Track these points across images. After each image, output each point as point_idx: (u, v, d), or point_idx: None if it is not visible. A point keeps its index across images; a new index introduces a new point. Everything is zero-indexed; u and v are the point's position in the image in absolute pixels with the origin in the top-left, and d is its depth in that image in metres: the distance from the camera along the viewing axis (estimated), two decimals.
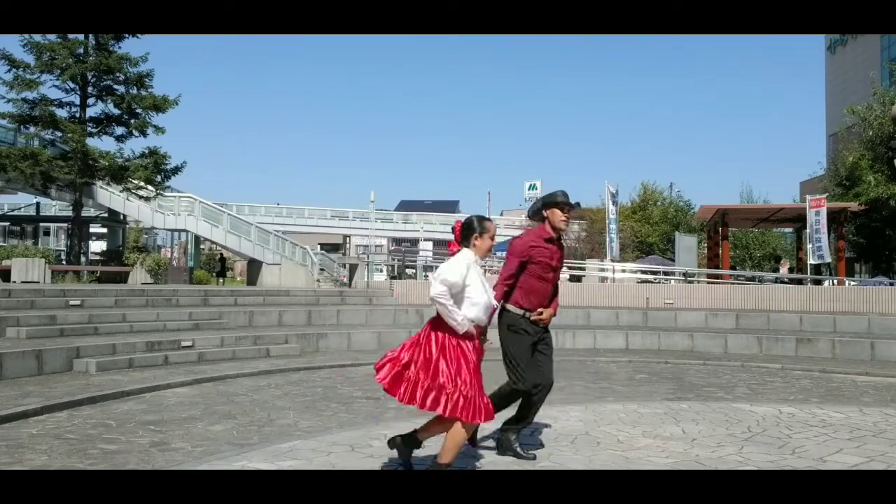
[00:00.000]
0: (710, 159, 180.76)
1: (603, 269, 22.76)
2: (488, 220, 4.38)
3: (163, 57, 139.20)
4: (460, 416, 4.05)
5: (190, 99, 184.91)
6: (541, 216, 5.05)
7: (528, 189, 56.23)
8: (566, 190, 5.07)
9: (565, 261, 14.23)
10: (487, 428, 6.09)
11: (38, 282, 18.48)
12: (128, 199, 28.02)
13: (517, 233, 47.61)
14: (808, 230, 20.74)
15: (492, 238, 4.31)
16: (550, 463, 4.90)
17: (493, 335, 4.57)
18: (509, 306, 4.90)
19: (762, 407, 7.33)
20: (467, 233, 4.31)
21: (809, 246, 20.57)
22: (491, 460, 4.94)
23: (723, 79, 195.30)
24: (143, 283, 20.93)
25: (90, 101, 23.74)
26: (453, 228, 4.41)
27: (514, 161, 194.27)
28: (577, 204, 5.08)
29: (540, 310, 4.91)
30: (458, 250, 4.31)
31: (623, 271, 23.34)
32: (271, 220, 50.28)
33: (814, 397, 8.83)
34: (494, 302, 4.37)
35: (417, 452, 4.62)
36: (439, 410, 4.06)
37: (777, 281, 22.98)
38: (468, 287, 4.15)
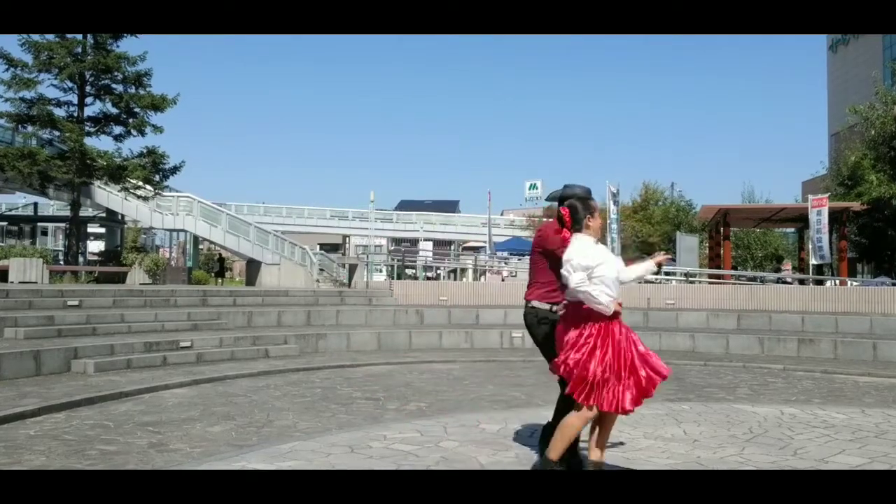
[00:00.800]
0: (711, 159, 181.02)
1: None
2: (592, 199, 4.39)
3: (161, 56, 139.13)
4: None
5: (189, 99, 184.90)
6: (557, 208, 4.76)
7: (529, 189, 56.24)
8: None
9: None
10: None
11: (35, 282, 18.44)
12: (126, 198, 27.96)
13: (518, 233, 46.76)
14: (810, 230, 20.70)
15: (602, 218, 4.29)
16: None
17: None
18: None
19: (764, 408, 7.30)
20: (577, 217, 4.30)
21: (811, 246, 20.54)
22: (492, 461, 4.91)
23: (724, 78, 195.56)
24: (141, 284, 20.88)
25: (88, 100, 23.68)
26: (560, 216, 4.37)
27: (514, 161, 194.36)
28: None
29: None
30: (570, 237, 4.29)
31: None
32: (270, 219, 50.28)
33: (816, 398, 8.80)
34: (624, 276, 4.30)
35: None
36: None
37: (779, 281, 22.95)
38: (600, 266, 4.14)
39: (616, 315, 4.17)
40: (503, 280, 25.32)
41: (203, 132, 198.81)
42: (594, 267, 4.12)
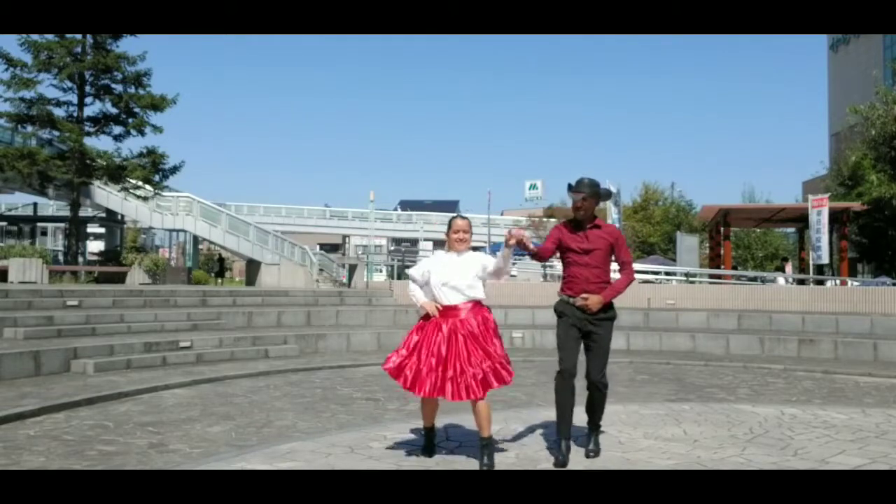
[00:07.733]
0: (711, 159, 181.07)
1: None
2: (455, 217, 5.11)
3: (161, 56, 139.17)
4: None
5: (189, 98, 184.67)
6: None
7: (529, 189, 56.23)
8: (573, 183, 4.98)
9: None
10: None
11: (35, 282, 18.43)
12: (125, 198, 27.92)
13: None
14: (810, 230, 20.69)
15: (455, 232, 4.92)
16: (551, 464, 4.85)
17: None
18: (559, 294, 5.12)
19: (764, 408, 7.28)
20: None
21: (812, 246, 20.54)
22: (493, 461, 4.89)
23: (724, 79, 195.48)
24: (140, 284, 20.87)
25: (88, 100, 23.64)
26: None
27: (514, 161, 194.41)
28: (580, 185, 4.92)
29: (585, 295, 4.87)
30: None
31: None
32: (270, 220, 50.25)
33: (816, 398, 8.79)
34: (456, 282, 4.85)
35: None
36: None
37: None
38: (430, 277, 4.96)
39: (427, 314, 4.91)
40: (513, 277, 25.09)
41: (203, 132, 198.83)
42: (425, 279, 5.00)
